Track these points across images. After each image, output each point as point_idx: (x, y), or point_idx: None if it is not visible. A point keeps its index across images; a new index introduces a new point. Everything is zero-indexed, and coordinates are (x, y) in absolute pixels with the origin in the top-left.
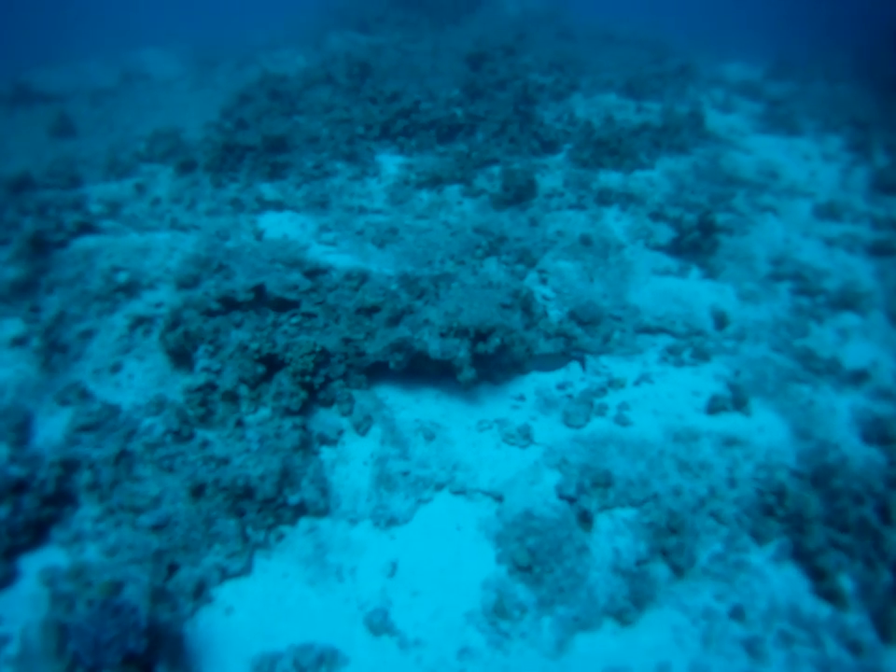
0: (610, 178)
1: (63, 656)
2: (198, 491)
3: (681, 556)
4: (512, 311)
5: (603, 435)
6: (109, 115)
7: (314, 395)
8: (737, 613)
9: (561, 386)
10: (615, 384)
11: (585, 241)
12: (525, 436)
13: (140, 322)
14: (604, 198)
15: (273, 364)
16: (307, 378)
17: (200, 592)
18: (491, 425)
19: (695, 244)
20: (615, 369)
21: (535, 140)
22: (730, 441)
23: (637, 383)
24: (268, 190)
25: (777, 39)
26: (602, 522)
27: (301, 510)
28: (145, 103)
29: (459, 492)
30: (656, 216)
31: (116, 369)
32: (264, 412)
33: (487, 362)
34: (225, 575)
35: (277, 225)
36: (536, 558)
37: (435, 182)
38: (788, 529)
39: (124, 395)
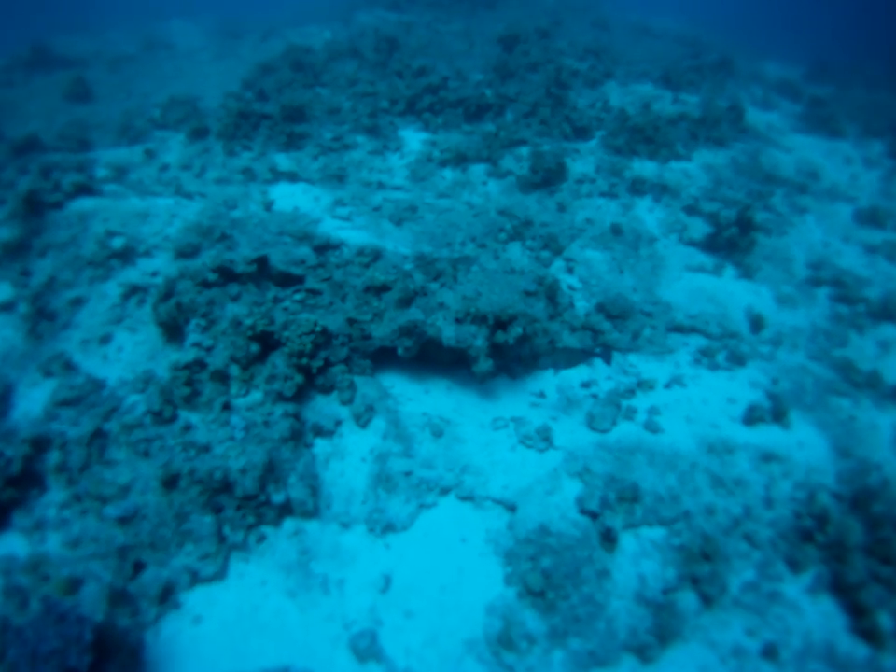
0: (645, 167)
1: (2, 660)
2: (171, 482)
3: (713, 586)
4: (536, 299)
5: (631, 442)
6: (128, 81)
7: (311, 380)
8: (770, 652)
9: (585, 385)
10: (644, 385)
11: (616, 230)
12: (545, 438)
13: (134, 291)
14: (637, 187)
15: (268, 343)
16: (304, 361)
17: (166, 596)
18: (507, 423)
19: (732, 241)
20: (644, 368)
21: (566, 124)
22: (768, 457)
23: (668, 385)
24: (282, 161)
25: (814, 42)
26: (627, 542)
27: (286, 509)
28: (166, 71)
29: (467, 498)
30: (691, 209)
31: (105, 340)
32: (256, 395)
33: (506, 353)
34: (196, 579)
35: (289, 197)
36: (550, 582)
37: (460, 160)
38: (826, 558)
39: (111, 368)
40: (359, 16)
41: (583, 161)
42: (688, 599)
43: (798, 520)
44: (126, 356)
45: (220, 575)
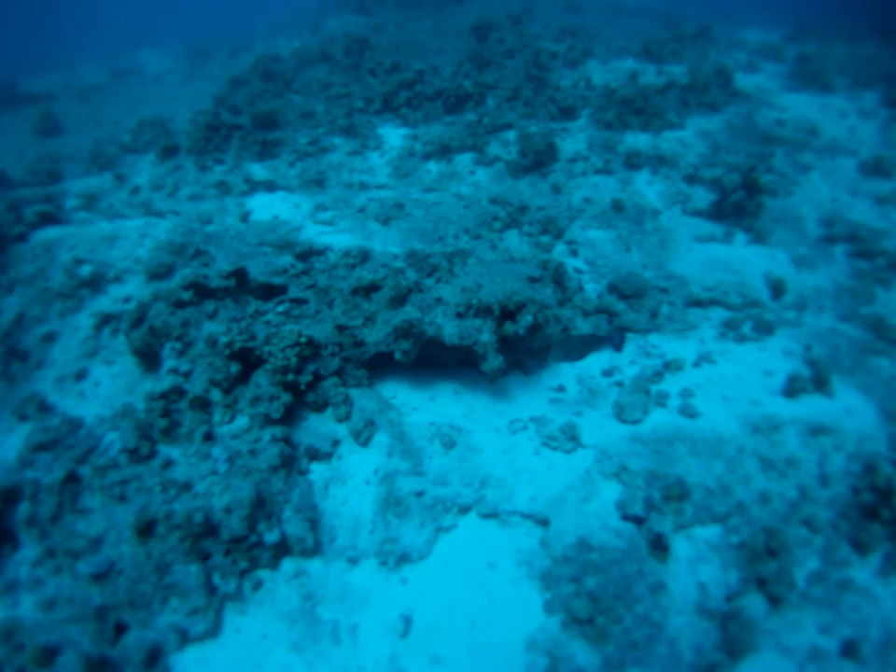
0: (638, 140)
1: None
2: (146, 529)
3: (782, 584)
4: (543, 285)
5: (668, 431)
6: (97, 111)
7: (301, 397)
8: (850, 650)
9: (607, 372)
10: (672, 366)
11: (617, 207)
12: (571, 437)
13: (107, 321)
14: (633, 161)
15: (250, 361)
16: (290, 377)
17: (153, 661)
18: (526, 424)
19: (739, 205)
20: (668, 348)
21: (552, 105)
22: (816, 430)
23: (696, 364)
24: (258, 171)
25: (790, 7)
26: (680, 547)
27: (283, 548)
28: (135, 97)
29: (490, 515)
30: (692, 178)
31: (80, 376)
32: (242, 421)
33: (516, 347)
34: (185, 638)
35: (268, 206)
36: (598, 605)
37: (444, 152)
38: (893, 534)
39: (89, 406)
40: (328, 22)
41: (574, 139)
42: (755, 603)
43: (857, 496)
44: (104, 390)
45: (213, 631)
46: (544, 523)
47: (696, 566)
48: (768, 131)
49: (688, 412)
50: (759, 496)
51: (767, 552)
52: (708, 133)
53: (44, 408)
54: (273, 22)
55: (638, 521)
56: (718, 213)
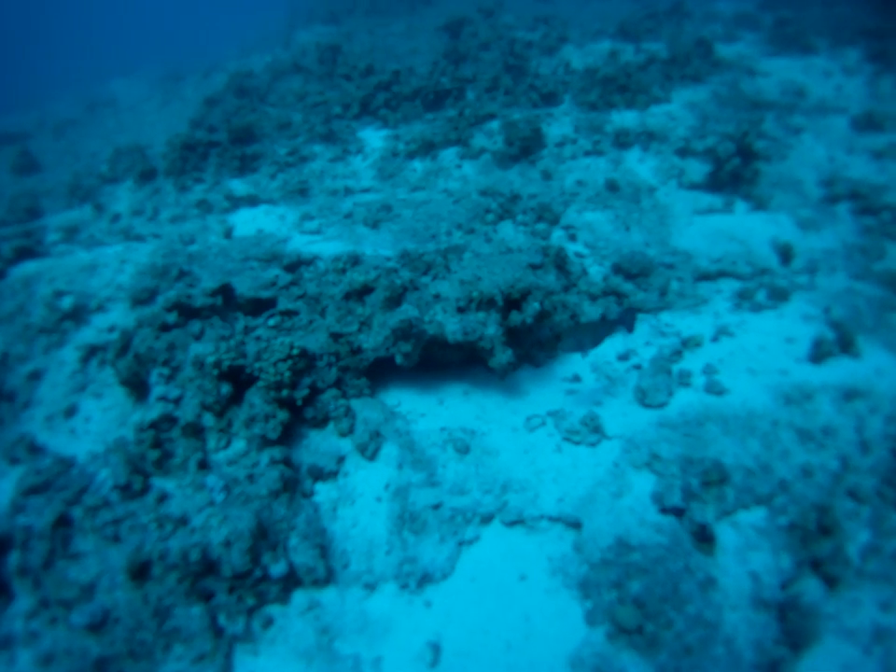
0: (625, 118)
1: None
2: (140, 572)
3: (838, 563)
4: (545, 271)
5: (696, 412)
6: (74, 145)
7: (298, 413)
8: None
9: (623, 357)
10: (690, 343)
11: (612, 187)
12: (594, 429)
13: (93, 352)
14: (622, 140)
15: (241, 380)
16: (285, 392)
17: None
18: (544, 420)
19: (736, 173)
20: (682, 325)
21: (533, 92)
22: (850, 394)
23: (715, 339)
24: (239, 186)
25: None
26: (726, 536)
27: (292, 580)
28: (110, 128)
29: (516, 522)
30: (683, 151)
31: (70, 412)
32: (238, 445)
33: (524, 338)
34: None
35: (251, 221)
36: (646, 611)
37: (427, 148)
38: None
39: (80, 443)
40: (299, 36)
41: (559, 123)
42: (812, 587)
43: None
44: (95, 425)
45: None
46: (576, 525)
47: (746, 554)
48: (755, 96)
49: (714, 389)
50: (801, 470)
51: (820, 530)
52: (696, 104)
53: (34, 449)
54: (244, 42)
55: (678, 512)
56: (714, 183)
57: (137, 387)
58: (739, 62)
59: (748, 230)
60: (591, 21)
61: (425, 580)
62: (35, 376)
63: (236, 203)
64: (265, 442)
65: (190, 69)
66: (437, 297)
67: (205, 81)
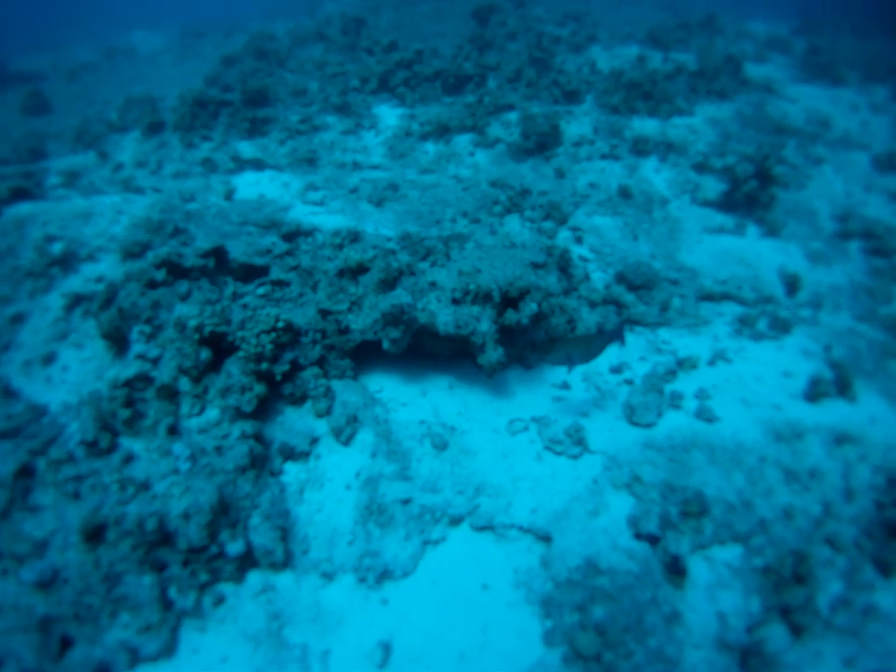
0: (646, 125)
1: None
2: (94, 534)
3: (807, 613)
4: (547, 271)
5: (684, 437)
6: (88, 90)
7: (277, 388)
8: None
9: (616, 369)
10: (685, 364)
11: (624, 193)
12: (577, 441)
13: (78, 301)
14: (640, 147)
15: (222, 348)
16: (264, 366)
17: None
18: (527, 425)
19: (752, 196)
20: (680, 344)
21: (555, 88)
22: (840, 438)
23: (711, 362)
24: (246, 149)
25: (795, 1)
26: (698, 570)
27: (249, 560)
28: (126, 77)
29: (485, 528)
30: (701, 167)
31: (48, 360)
32: (211, 413)
33: (517, 338)
34: (136, 658)
35: (255, 185)
36: (606, 639)
37: (442, 132)
38: None
39: (55, 392)
40: (326, 5)
41: (578, 122)
42: (777, 634)
43: (881, 511)
44: (72, 376)
45: (168, 651)
46: (546, 539)
47: (716, 592)
48: (780, 121)
49: (705, 415)
50: (782, 511)
51: (795, 578)
52: (719, 120)
53: (8, 393)
54: (270, 5)
55: (653, 540)
56: (728, 203)
57: (118, 342)
58: (767, 84)
59: (757, 254)
60: (622, 24)
61: (384, 576)
62: (18, 319)
63: (242, 165)
64: (238, 415)
65: (213, 27)
66: (433, 285)
67: (226, 41)
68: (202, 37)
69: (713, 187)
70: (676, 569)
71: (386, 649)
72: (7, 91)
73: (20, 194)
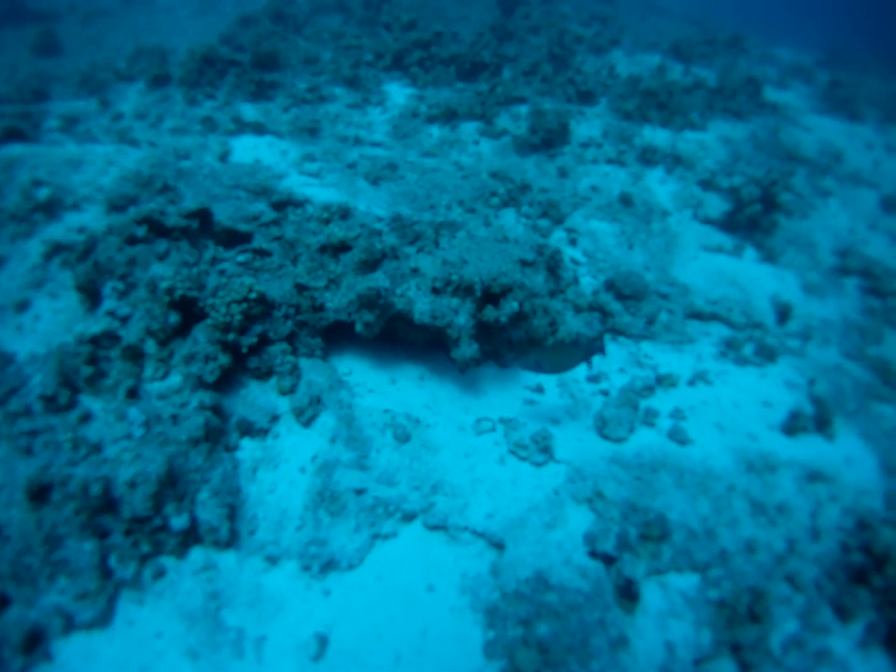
0: (657, 135)
1: None
2: (39, 493)
3: (759, 653)
4: (535, 270)
5: (653, 456)
6: (100, 35)
7: (243, 361)
8: None
9: (593, 378)
10: (664, 381)
11: (626, 200)
12: (543, 448)
13: (58, 250)
14: (648, 156)
15: (193, 313)
16: (231, 336)
17: (33, 645)
18: (494, 426)
19: (754, 220)
20: (662, 360)
21: (570, 86)
22: (813, 476)
23: (691, 382)
24: (249, 111)
25: (824, 34)
26: (651, 596)
27: (192, 536)
28: (141, 25)
29: (438, 527)
30: (707, 183)
31: (21, 307)
32: (175, 379)
33: (495, 336)
34: (71, 624)
35: (252, 149)
36: (548, 657)
37: (449, 117)
38: (879, 603)
39: (24, 341)
40: None
41: (589, 124)
42: (725, 670)
43: (846, 554)
44: (43, 326)
45: (103, 620)
46: (499, 546)
47: (667, 621)
48: (793, 148)
49: (678, 436)
50: (745, 544)
51: (749, 615)
52: (731, 140)
53: None
54: None
55: (608, 560)
56: (730, 224)
57: (92, 296)
58: (785, 110)
59: (751, 279)
60: (647, 32)
61: (329, 566)
62: None
63: (242, 127)
64: (200, 384)
65: None
66: (415, 271)
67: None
68: None
69: (716, 205)
70: (628, 593)
71: (323, 641)
72: (22, 28)
73: (13, 135)
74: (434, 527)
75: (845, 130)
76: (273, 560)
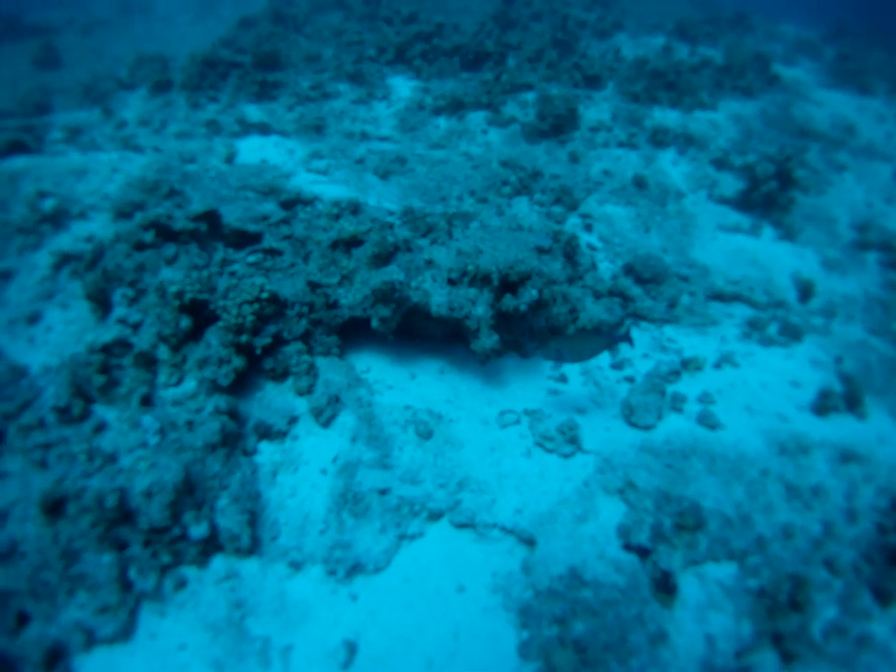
0: (667, 116)
1: None
2: (54, 507)
3: (801, 642)
4: (552, 257)
5: (683, 442)
6: (100, 46)
7: (258, 363)
8: None
9: (617, 365)
10: (690, 365)
11: (639, 183)
12: (570, 439)
13: (66, 261)
14: (659, 138)
15: (204, 316)
16: (244, 338)
17: (54, 662)
18: (518, 418)
19: (770, 197)
20: (686, 344)
21: (576, 71)
22: (847, 456)
23: (717, 365)
24: (253, 112)
25: (828, 8)
26: (689, 588)
27: (213, 544)
28: (140, 34)
29: (465, 525)
30: (720, 163)
31: (33, 319)
32: (189, 385)
33: (514, 325)
34: (92, 639)
35: (258, 150)
36: (586, 656)
37: (455, 107)
38: None
39: (37, 353)
40: None
41: (597, 108)
42: (767, 661)
43: (883, 535)
44: (55, 337)
45: (125, 634)
46: (529, 542)
47: (706, 613)
48: (804, 124)
49: (708, 421)
50: (782, 530)
51: (791, 604)
52: (742, 118)
53: None
54: None
55: (643, 553)
56: (745, 203)
57: (102, 305)
58: (795, 86)
59: (771, 257)
60: (650, 14)
61: (355, 570)
62: (5, 276)
63: (247, 128)
64: (215, 388)
65: None
66: (430, 263)
67: (245, 3)
68: None
69: (731, 184)
70: (666, 586)
71: (352, 648)
72: (20, 43)
73: (16, 147)
74: (462, 525)
75: (855, 103)
76: (297, 566)
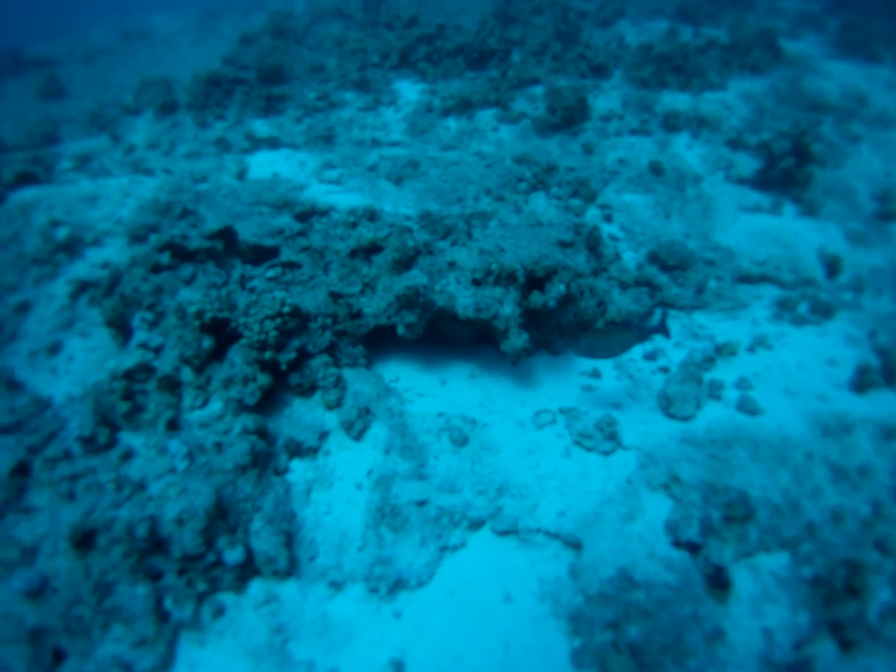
0: (677, 100)
1: None
2: (84, 540)
3: (859, 629)
4: (575, 250)
5: (725, 431)
6: (103, 74)
7: (283, 378)
8: None
9: (650, 356)
10: (724, 350)
11: (656, 170)
12: (610, 435)
13: (83, 288)
14: (671, 122)
15: (226, 335)
16: (268, 354)
17: None
18: (554, 417)
19: (788, 174)
20: (717, 329)
21: (582, 62)
22: (890, 433)
23: (751, 349)
24: (261, 127)
25: None
26: (742, 582)
27: (249, 568)
28: (143, 59)
29: (508, 532)
30: (735, 143)
31: (54, 350)
32: (215, 406)
33: (543, 322)
34: None
35: (269, 164)
36: (642, 660)
37: (464, 107)
38: None
39: (60, 383)
40: None
41: (606, 97)
42: (826, 650)
43: None
44: (77, 366)
45: (164, 666)
46: (576, 546)
47: (762, 606)
48: (815, 97)
49: (747, 407)
50: (831, 514)
51: (847, 590)
52: (752, 95)
53: (13, 385)
54: None
55: (693, 548)
56: (764, 181)
57: (122, 330)
58: (802, 59)
59: (794, 235)
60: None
61: (398, 586)
62: (24, 308)
63: (256, 144)
64: (241, 407)
65: (231, 7)
66: (452, 265)
67: (244, 20)
68: (220, 18)
69: (748, 164)
70: (719, 582)
71: (399, 667)
72: (23, 77)
73: (26, 179)
74: (504, 532)
75: (864, 73)
76: (337, 585)
